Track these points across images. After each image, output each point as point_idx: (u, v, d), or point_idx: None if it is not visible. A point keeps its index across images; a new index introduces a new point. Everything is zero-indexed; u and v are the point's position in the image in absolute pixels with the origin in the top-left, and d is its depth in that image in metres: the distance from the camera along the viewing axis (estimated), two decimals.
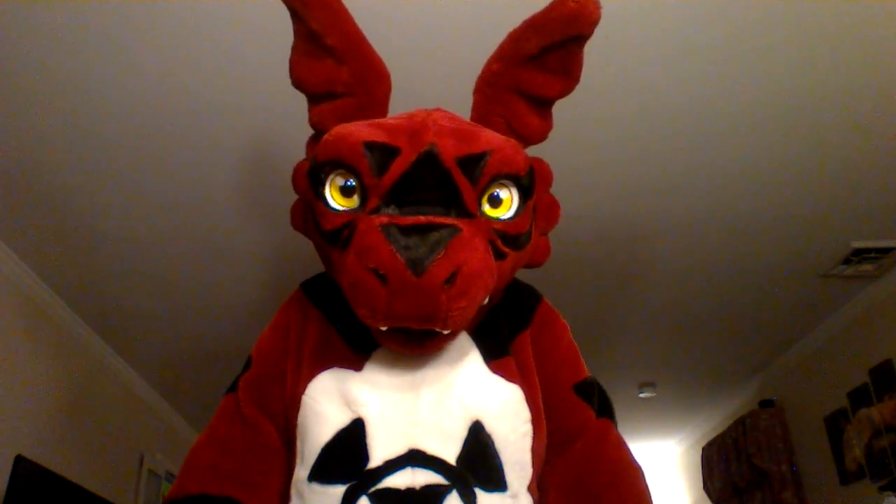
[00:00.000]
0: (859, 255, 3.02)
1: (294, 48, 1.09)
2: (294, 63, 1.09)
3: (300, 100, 1.13)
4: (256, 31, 1.81)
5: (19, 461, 2.54)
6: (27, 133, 2.12)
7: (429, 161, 0.95)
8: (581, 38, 1.04)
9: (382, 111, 1.08)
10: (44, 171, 2.28)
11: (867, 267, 3.13)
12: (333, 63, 1.06)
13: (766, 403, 4.42)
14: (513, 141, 1.03)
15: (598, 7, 1.02)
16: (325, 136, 1.00)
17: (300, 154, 1.16)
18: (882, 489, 3.23)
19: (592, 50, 1.09)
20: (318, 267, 1.18)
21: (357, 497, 0.91)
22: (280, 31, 1.19)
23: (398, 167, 0.95)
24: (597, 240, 2.85)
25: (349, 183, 0.97)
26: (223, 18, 1.77)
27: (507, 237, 1.00)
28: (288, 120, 2.08)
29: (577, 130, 2.21)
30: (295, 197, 1.15)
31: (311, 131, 1.13)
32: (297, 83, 1.09)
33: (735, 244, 2.93)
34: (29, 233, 2.60)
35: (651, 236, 2.85)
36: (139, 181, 2.36)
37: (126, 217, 2.54)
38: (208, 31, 1.80)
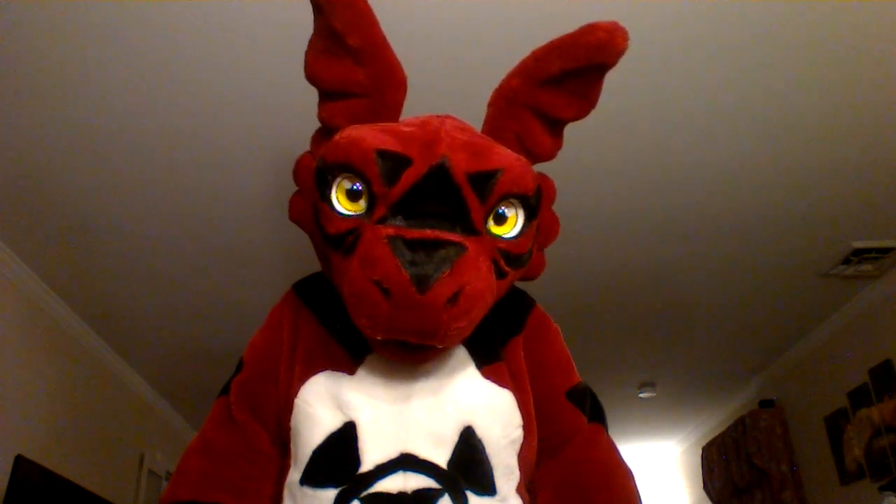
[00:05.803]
0: (859, 255, 3.01)
1: (312, 42, 1.06)
2: (311, 58, 1.06)
3: (315, 101, 1.10)
4: (264, 31, 1.80)
5: (19, 461, 2.55)
6: (30, 134, 2.12)
7: (440, 175, 0.93)
8: (604, 67, 1.03)
9: (395, 116, 1.07)
10: (45, 172, 2.28)
11: (867, 267, 3.13)
12: (352, 63, 1.03)
13: (766, 403, 4.42)
14: (523, 159, 1.02)
15: (626, 39, 1.01)
16: (336, 138, 0.99)
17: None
18: (882, 489, 3.23)
19: None
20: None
21: (348, 501, 0.91)
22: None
23: (409, 178, 0.93)
24: (596, 239, 2.85)
25: (356, 187, 0.95)
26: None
27: (510, 257, 0.99)
28: (296, 121, 2.07)
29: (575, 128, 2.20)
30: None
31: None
32: (312, 78, 1.07)
33: (735, 244, 2.92)
34: (29, 233, 2.61)
35: (651, 236, 2.85)
36: (141, 182, 2.36)
37: (127, 217, 2.54)
38: (217, 30, 1.80)
